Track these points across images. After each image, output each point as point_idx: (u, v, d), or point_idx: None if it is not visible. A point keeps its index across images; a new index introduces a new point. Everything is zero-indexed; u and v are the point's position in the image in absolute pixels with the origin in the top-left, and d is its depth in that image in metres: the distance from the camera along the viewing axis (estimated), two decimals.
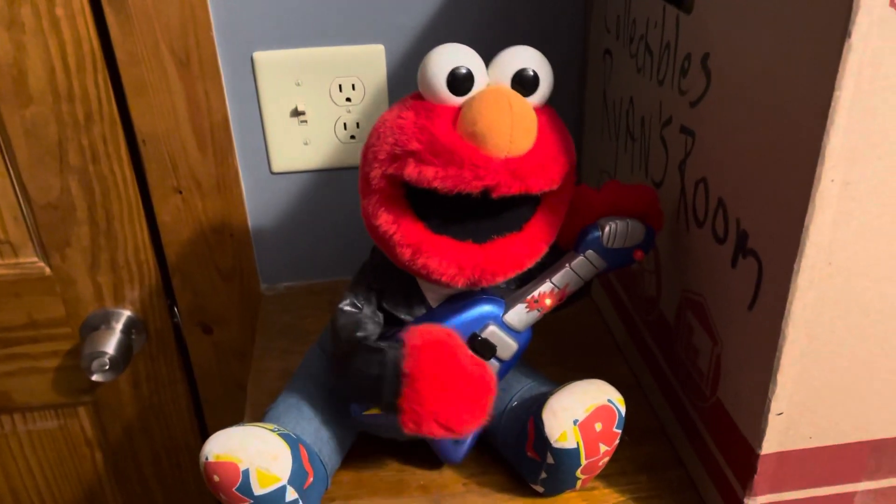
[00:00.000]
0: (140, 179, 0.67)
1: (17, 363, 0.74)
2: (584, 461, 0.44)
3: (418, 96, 0.42)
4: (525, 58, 0.41)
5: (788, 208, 0.35)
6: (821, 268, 0.35)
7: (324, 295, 0.71)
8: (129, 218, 0.68)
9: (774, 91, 0.35)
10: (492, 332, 0.45)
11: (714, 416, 0.45)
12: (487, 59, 0.42)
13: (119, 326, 0.72)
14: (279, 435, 0.42)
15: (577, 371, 0.49)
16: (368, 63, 0.65)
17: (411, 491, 0.49)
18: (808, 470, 0.41)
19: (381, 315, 0.45)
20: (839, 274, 0.35)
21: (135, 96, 0.62)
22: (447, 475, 0.50)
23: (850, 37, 0.30)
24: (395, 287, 0.46)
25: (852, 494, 0.43)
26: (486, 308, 0.45)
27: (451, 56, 0.40)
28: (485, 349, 0.45)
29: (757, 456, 0.40)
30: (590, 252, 0.45)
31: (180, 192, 0.67)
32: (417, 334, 0.41)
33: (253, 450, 0.41)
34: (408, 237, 0.42)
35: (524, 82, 0.41)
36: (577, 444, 0.43)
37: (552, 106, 0.43)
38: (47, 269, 0.70)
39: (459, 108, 0.40)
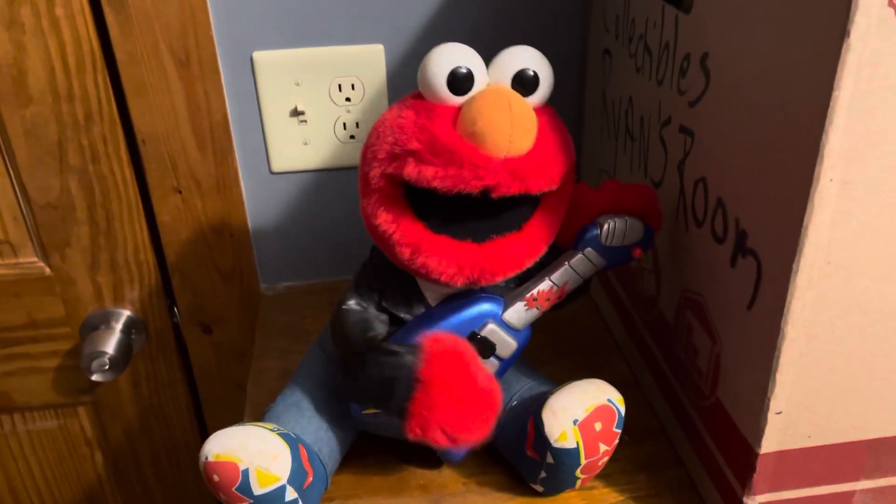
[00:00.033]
0: (140, 179, 0.67)
1: (16, 363, 0.74)
2: (583, 461, 0.44)
3: (418, 96, 0.42)
4: (525, 58, 0.41)
5: (787, 208, 0.35)
6: (820, 267, 0.35)
7: (323, 295, 0.71)
8: (129, 218, 0.68)
9: (773, 91, 0.35)
10: (491, 330, 0.45)
11: (713, 416, 0.45)
12: (487, 58, 0.42)
13: (119, 326, 0.72)
14: (279, 434, 0.42)
15: (577, 370, 0.49)
16: (368, 63, 0.65)
17: (411, 490, 0.49)
18: (807, 469, 0.42)
19: (385, 316, 0.45)
20: (838, 273, 0.35)
21: (134, 96, 0.62)
22: (447, 474, 0.50)
23: (848, 36, 0.30)
24: (395, 286, 0.46)
25: (851, 493, 0.43)
26: (485, 306, 0.45)
27: (451, 56, 0.40)
28: (484, 347, 0.45)
29: (756, 455, 0.40)
30: (589, 250, 0.45)
31: (180, 192, 0.67)
32: (435, 342, 0.42)
33: (253, 449, 0.41)
34: (407, 236, 0.42)
35: (524, 82, 0.41)
36: (577, 443, 0.43)
37: (551, 105, 0.43)
38: (47, 269, 0.70)
39: (459, 108, 0.40)
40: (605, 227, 0.45)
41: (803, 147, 0.33)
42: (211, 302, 0.73)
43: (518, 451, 0.47)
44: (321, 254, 0.73)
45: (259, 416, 0.51)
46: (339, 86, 0.65)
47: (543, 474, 0.46)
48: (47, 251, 0.69)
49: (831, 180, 0.33)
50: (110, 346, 0.71)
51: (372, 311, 0.45)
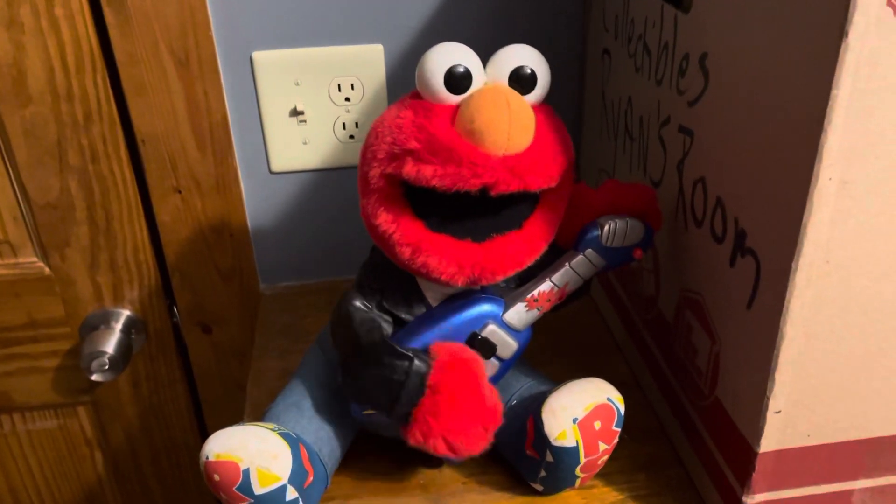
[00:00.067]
0: (139, 179, 0.67)
1: (16, 363, 0.74)
2: (583, 459, 0.44)
3: (416, 95, 0.42)
4: (522, 56, 0.41)
5: (787, 207, 0.35)
6: (819, 266, 0.35)
7: (323, 294, 0.71)
8: (129, 218, 0.68)
9: (772, 90, 0.36)
10: (491, 331, 0.45)
11: (713, 415, 0.45)
12: (486, 58, 0.42)
13: (118, 326, 0.72)
14: (279, 434, 0.42)
15: (577, 370, 0.49)
16: (367, 63, 0.65)
17: (411, 489, 0.49)
18: (806, 468, 0.42)
19: (389, 317, 0.46)
20: (837, 272, 0.35)
21: (134, 96, 0.62)
22: (447, 474, 0.50)
23: (847, 36, 0.30)
24: (395, 286, 0.46)
25: (850, 492, 0.43)
26: (485, 307, 0.45)
27: (448, 55, 0.40)
28: (485, 348, 0.45)
29: (755, 454, 0.41)
30: (589, 251, 0.45)
31: (179, 192, 0.67)
32: (446, 351, 0.42)
33: (253, 449, 0.41)
34: (407, 236, 0.42)
35: (521, 80, 0.41)
36: (577, 442, 0.43)
37: (551, 105, 0.43)
38: (47, 269, 0.70)
39: (457, 107, 0.40)
40: (606, 228, 0.45)
41: (802, 146, 0.33)
42: (211, 302, 0.73)
43: (518, 450, 0.47)
44: (321, 253, 0.73)
45: (259, 415, 0.51)
46: (339, 86, 0.65)
47: (543, 473, 0.46)
48: (47, 251, 0.69)
49: (830, 179, 0.33)
50: (110, 345, 0.71)
51: (376, 312, 0.45)
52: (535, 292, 0.45)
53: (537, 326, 0.47)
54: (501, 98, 0.39)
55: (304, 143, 0.67)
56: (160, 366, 0.77)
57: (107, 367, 0.70)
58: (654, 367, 0.54)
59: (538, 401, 0.45)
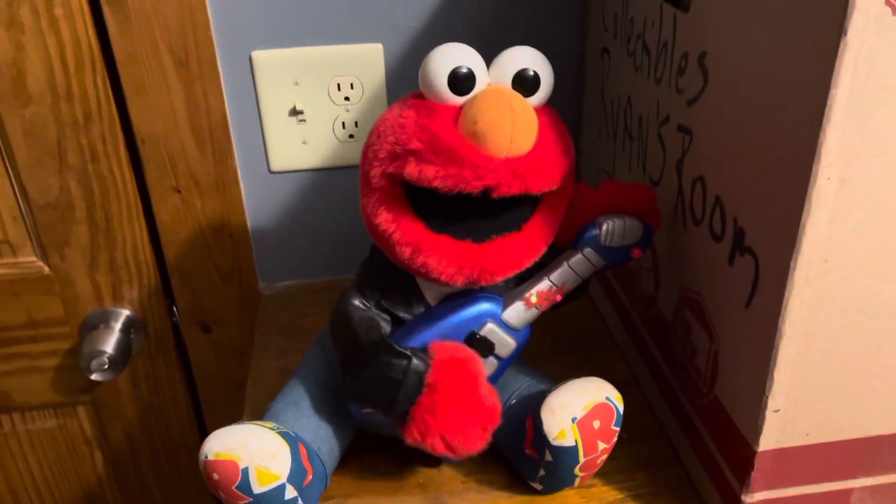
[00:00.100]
0: (139, 179, 0.67)
1: (16, 363, 0.74)
2: (582, 459, 0.44)
3: (419, 95, 0.42)
4: (526, 58, 0.41)
5: (785, 206, 0.35)
6: (817, 265, 0.35)
7: (323, 294, 0.71)
8: (128, 217, 0.68)
9: (771, 89, 0.36)
10: (490, 330, 0.45)
11: (711, 414, 0.45)
12: (486, 57, 0.42)
13: (118, 326, 0.72)
14: (278, 433, 0.42)
15: (576, 369, 0.49)
16: (367, 62, 0.65)
17: (410, 488, 0.49)
18: (804, 466, 0.42)
19: (388, 316, 0.46)
20: (835, 271, 0.35)
21: (134, 96, 0.62)
22: (446, 473, 0.50)
23: (845, 35, 0.30)
24: (394, 286, 0.46)
25: (849, 491, 0.43)
26: (484, 306, 0.45)
27: (452, 55, 0.40)
28: (483, 347, 0.45)
29: (754, 453, 0.41)
30: (588, 250, 0.45)
31: (179, 192, 0.67)
32: (445, 350, 0.42)
33: (252, 448, 0.41)
34: (407, 236, 0.42)
35: (525, 83, 0.41)
36: (576, 441, 0.43)
37: (550, 105, 0.43)
38: (46, 269, 0.70)
39: (460, 108, 0.40)
40: (605, 227, 0.45)
41: (801, 145, 0.33)
42: (210, 301, 0.73)
43: (517, 450, 0.47)
44: (320, 253, 0.73)
45: (258, 414, 0.51)
46: (338, 85, 0.65)
47: (542, 472, 0.46)
48: (46, 251, 0.69)
49: (829, 178, 0.33)
50: (109, 345, 0.71)
51: (374, 311, 0.45)
52: (534, 291, 0.45)
53: (536, 325, 0.47)
54: (505, 100, 0.39)
55: (304, 143, 0.67)
56: (160, 365, 0.77)
57: (106, 366, 0.70)
58: (653, 366, 0.54)
59: (537, 400, 0.45)
